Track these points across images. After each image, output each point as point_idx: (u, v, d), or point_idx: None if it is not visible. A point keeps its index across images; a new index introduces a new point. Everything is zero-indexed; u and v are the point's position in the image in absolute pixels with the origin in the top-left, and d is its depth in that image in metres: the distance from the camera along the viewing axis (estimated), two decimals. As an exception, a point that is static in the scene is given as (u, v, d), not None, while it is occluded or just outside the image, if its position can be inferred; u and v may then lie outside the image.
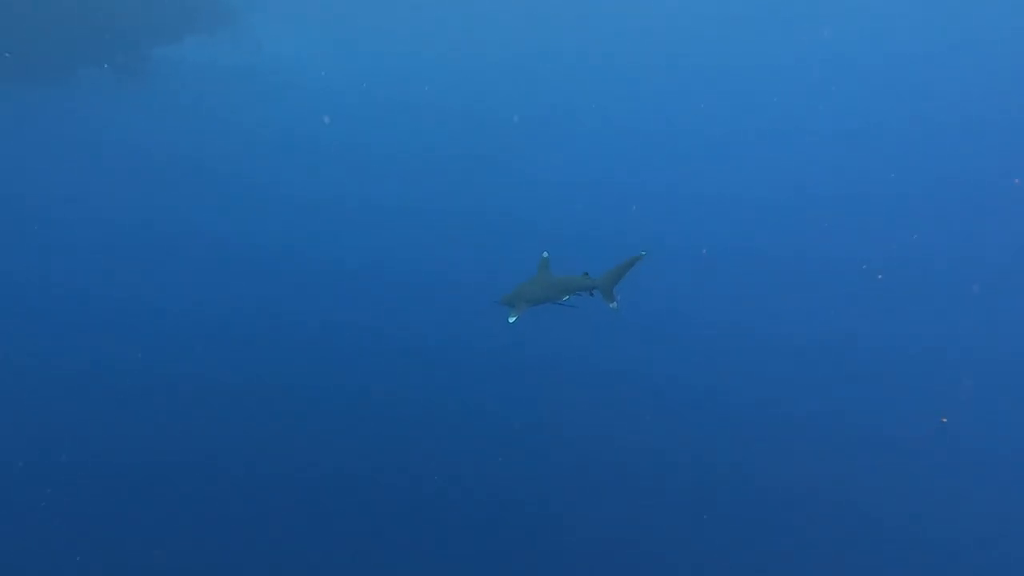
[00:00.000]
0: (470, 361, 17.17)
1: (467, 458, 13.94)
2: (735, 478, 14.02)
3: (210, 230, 23.31)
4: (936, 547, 12.90)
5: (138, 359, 16.21)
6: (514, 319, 8.87)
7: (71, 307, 18.69)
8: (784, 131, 32.59)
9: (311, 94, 33.53)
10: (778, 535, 12.82)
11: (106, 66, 23.17)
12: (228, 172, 26.85)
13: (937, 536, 13.05)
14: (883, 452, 15.01)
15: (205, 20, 25.11)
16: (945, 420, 16.21)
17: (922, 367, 18.00)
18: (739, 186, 28.61)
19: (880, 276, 21.69)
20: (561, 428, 14.97)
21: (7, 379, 15.07)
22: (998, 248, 23.53)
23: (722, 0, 36.47)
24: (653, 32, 37.83)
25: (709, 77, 37.09)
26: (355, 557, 11.79)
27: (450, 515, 12.75)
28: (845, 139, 31.22)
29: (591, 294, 9.13)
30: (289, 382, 15.84)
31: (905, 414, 16.16)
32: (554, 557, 12.23)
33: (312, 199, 26.15)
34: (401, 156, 30.29)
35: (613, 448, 14.59)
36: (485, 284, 9.68)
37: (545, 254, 9.69)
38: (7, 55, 20.24)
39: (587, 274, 9.03)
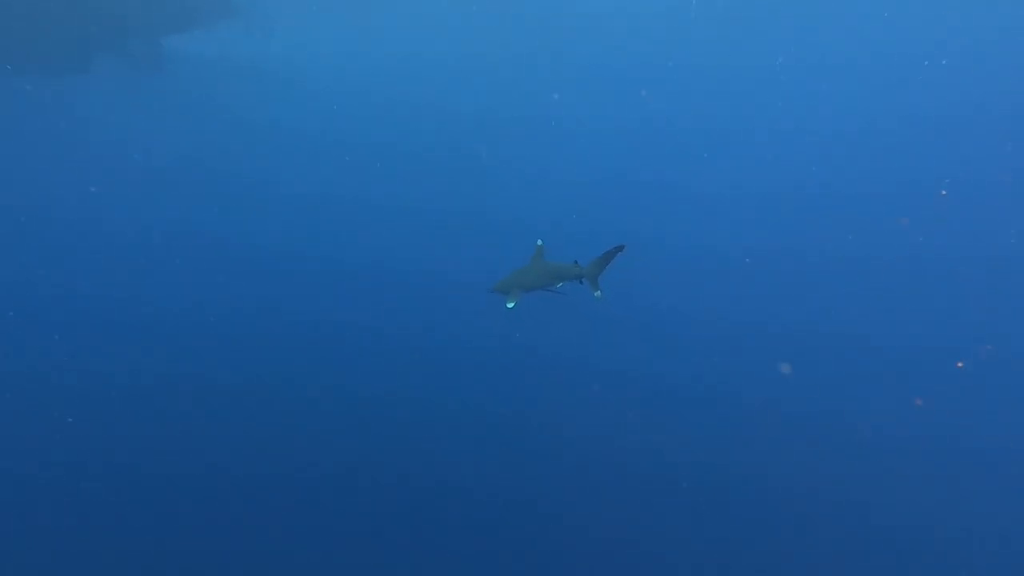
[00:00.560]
0: (470, 360, 17.17)
1: (467, 458, 13.96)
2: (735, 478, 14.02)
3: (210, 230, 23.31)
4: (936, 547, 12.91)
5: (138, 359, 16.22)
6: (512, 304, 9.09)
7: (71, 307, 18.70)
8: (784, 131, 32.61)
9: (318, 89, 33.54)
10: (778, 535, 12.82)
11: (117, 57, 23.06)
12: (228, 171, 26.84)
13: (937, 536, 13.05)
14: (883, 452, 15.01)
15: (216, 10, 25.13)
16: (920, 403, 16.34)
17: (922, 367, 17.99)
18: (740, 184, 28.61)
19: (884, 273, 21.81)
20: (561, 428, 14.97)
21: (7, 379, 15.09)
22: (999, 248, 23.54)
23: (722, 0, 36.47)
24: (653, 32, 37.86)
25: (709, 77, 37.11)
26: (355, 557, 11.80)
27: (450, 515, 12.76)
28: (845, 138, 31.22)
29: (580, 282, 9.58)
30: (289, 381, 15.83)
31: (905, 414, 16.17)
32: (554, 557, 12.24)
33: (312, 199, 26.13)
34: (401, 156, 30.27)
35: (613, 448, 14.59)
36: (485, 284, 9.72)
37: (540, 242, 10.01)
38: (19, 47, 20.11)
39: (577, 263, 9.52)
